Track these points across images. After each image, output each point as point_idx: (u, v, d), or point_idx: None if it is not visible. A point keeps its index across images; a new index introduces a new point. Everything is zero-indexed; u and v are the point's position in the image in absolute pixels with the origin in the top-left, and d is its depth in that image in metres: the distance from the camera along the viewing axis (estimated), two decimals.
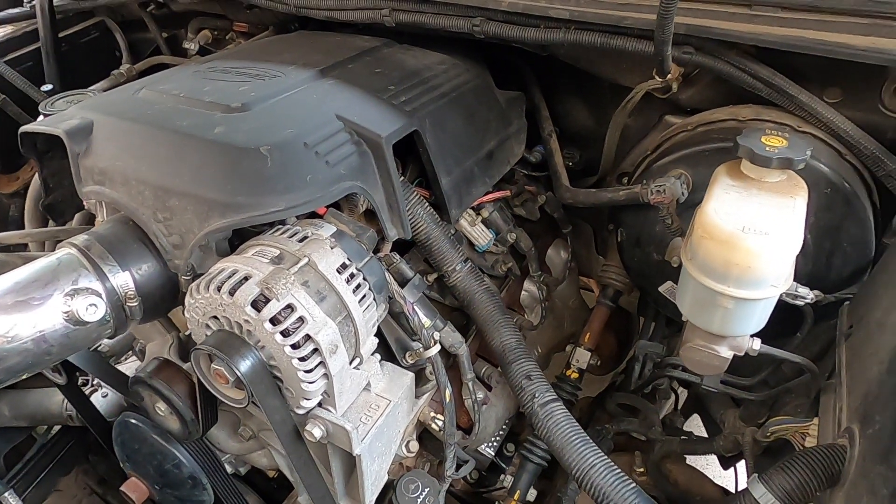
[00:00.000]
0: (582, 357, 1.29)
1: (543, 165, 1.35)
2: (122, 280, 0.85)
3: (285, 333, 0.76)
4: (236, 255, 0.83)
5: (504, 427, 1.30)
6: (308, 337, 0.77)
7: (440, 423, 1.08)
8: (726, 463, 1.28)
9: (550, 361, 1.51)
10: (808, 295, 0.83)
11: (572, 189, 1.19)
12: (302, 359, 0.77)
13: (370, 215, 1.00)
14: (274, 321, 0.75)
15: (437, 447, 1.15)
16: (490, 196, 1.20)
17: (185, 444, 1.03)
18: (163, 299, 0.91)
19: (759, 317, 0.78)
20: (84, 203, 1.06)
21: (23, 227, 1.64)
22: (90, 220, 1.37)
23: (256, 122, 0.90)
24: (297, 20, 1.50)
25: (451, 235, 1.07)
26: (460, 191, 1.10)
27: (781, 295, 0.78)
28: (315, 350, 0.77)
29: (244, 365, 0.76)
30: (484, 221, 1.21)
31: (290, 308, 0.76)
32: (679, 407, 1.47)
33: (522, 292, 1.39)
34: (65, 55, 1.65)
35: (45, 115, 1.21)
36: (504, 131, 1.25)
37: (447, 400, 0.98)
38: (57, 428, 1.56)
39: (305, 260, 0.81)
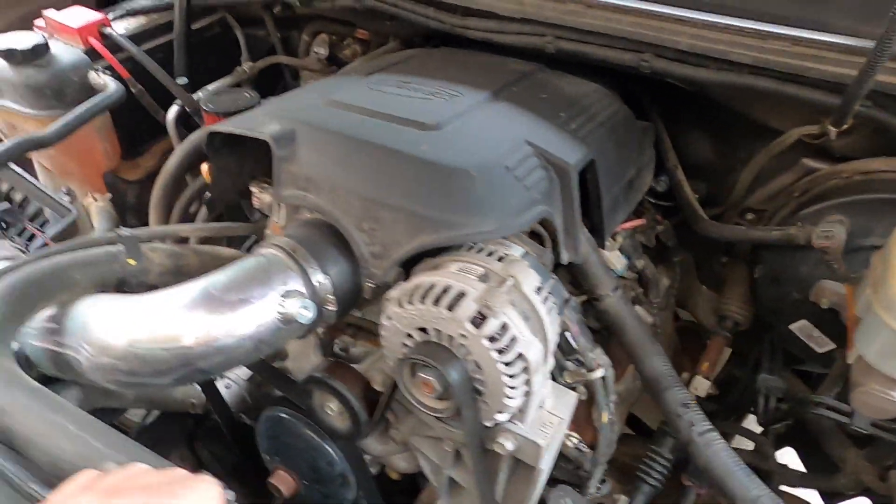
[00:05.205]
0: (701, 385, 1.32)
1: (668, 195, 1.39)
2: (323, 283, 0.89)
3: (500, 351, 0.79)
4: (439, 270, 0.87)
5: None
6: (520, 355, 0.80)
7: (574, 441, 1.11)
8: (830, 501, 1.32)
9: None
10: None
11: (717, 224, 1.23)
12: (511, 375, 0.80)
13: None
14: (491, 338, 0.79)
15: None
16: (630, 223, 1.24)
17: (338, 443, 1.06)
18: (348, 304, 0.95)
19: None
20: (254, 201, 1.10)
21: (141, 215, 1.68)
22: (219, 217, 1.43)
23: (455, 141, 0.94)
24: (425, 36, 1.55)
25: (603, 260, 1.11)
26: (609, 217, 1.14)
27: None
28: (524, 368, 0.81)
29: (455, 376, 0.80)
30: (619, 248, 1.25)
31: (504, 326, 0.80)
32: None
33: None
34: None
35: (206, 112, 1.25)
36: (640, 160, 1.29)
37: (605, 421, 1.02)
38: (155, 414, 1.60)
39: (512, 280, 0.84)
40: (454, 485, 1.05)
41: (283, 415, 1.09)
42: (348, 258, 0.92)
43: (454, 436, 0.94)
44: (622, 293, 1.10)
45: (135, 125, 1.60)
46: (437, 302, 0.80)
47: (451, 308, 0.80)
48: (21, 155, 1.12)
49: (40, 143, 1.13)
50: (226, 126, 1.00)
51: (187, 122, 1.59)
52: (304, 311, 0.84)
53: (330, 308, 0.90)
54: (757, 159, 1.24)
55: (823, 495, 1.34)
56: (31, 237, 1.40)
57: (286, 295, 0.84)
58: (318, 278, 0.89)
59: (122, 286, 0.98)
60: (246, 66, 1.69)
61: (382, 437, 1.10)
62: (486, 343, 0.78)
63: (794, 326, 1.18)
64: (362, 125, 0.96)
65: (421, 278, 0.85)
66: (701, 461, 0.95)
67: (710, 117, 1.38)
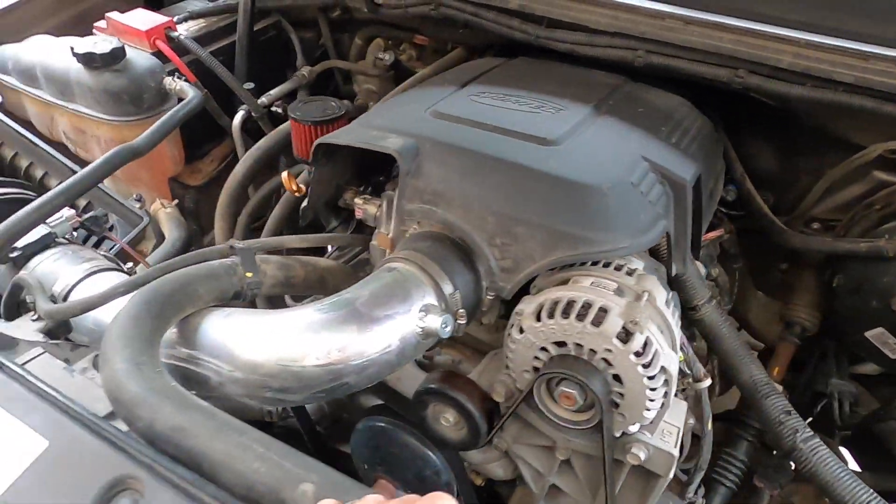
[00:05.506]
0: None
1: (736, 203, 1.42)
2: (454, 296, 0.90)
3: (645, 365, 0.81)
4: (572, 285, 0.88)
5: None
6: (662, 368, 0.82)
7: None
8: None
9: None
10: None
11: (800, 236, 1.26)
12: (653, 388, 0.83)
13: None
14: (637, 353, 0.81)
15: None
16: (713, 234, 1.27)
17: (444, 452, 1.07)
18: (472, 316, 0.96)
19: None
20: (357, 213, 1.10)
21: (200, 220, 1.67)
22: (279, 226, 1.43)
23: (578, 157, 0.95)
24: (489, 44, 1.55)
25: (699, 272, 1.13)
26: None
27: None
28: (665, 381, 0.83)
29: (600, 389, 0.82)
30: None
31: (648, 341, 0.82)
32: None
33: None
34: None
35: (295, 120, 1.25)
36: (715, 171, 1.32)
37: (708, 428, 1.04)
38: None
39: (647, 295, 0.86)
40: (553, 491, 1.07)
41: (385, 424, 1.10)
42: (472, 271, 0.93)
43: (574, 445, 0.96)
44: (716, 303, 1.13)
45: (196, 130, 1.58)
46: (580, 317, 0.82)
47: (596, 323, 0.81)
48: (118, 167, 1.10)
49: (135, 153, 1.12)
50: (345, 139, 1.00)
51: (247, 127, 1.58)
52: (444, 326, 0.85)
53: (461, 321, 0.91)
54: (833, 171, 1.27)
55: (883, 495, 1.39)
56: (100, 241, 1.38)
57: (425, 310, 0.85)
58: (450, 291, 0.90)
59: (236, 298, 0.97)
60: (305, 70, 1.68)
61: (485, 446, 1.12)
62: (632, 358, 0.81)
63: (869, 334, 1.22)
64: (484, 140, 0.97)
65: (558, 293, 0.86)
66: (807, 468, 0.99)
67: (776, 128, 1.41)
